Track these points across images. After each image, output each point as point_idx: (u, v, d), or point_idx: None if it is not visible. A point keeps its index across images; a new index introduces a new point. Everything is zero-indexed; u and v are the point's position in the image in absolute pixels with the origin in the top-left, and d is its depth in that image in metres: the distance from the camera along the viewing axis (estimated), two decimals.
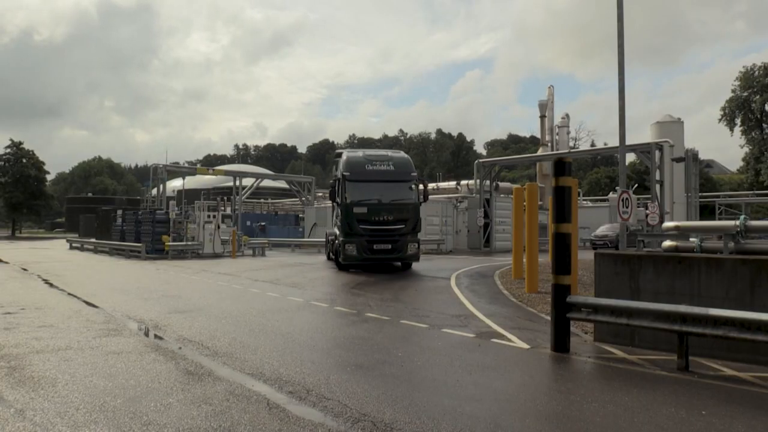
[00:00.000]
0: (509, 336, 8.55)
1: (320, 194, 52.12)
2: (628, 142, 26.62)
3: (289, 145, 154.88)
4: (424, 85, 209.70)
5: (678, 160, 29.20)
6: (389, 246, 18.08)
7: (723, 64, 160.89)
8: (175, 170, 48.67)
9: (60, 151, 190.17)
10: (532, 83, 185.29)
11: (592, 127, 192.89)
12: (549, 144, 47.80)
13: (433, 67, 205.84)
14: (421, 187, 19.32)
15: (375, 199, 18.41)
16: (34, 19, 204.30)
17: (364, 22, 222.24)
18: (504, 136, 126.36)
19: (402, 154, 20.62)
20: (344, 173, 18.58)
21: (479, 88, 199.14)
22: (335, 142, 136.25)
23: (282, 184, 63.07)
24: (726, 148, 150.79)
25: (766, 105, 54.85)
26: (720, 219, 41.81)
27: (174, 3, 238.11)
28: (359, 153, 20.21)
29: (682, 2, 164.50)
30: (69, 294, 13.39)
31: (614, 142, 14.69)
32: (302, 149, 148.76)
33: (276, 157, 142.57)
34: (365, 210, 18.07)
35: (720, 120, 58.07)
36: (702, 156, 43.37)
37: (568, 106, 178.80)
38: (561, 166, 7.84)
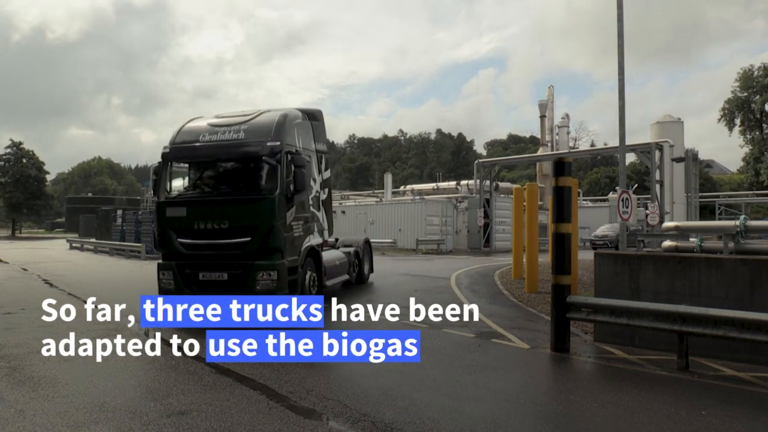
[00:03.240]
0: (509, 336, 8.55)
1: None
2: (632, 141, 26.83)
3: None
4: (436, 84, 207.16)
5: (678, 160, 29.19)
6: (225, 275, 10.18)
7: (741, 63, 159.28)
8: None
9: (65, 151, 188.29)
10: (546, 83, 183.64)
11: (601, 125, 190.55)
12: (549, 144, 47.81)
13: (440, 67, 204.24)
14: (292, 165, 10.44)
15: (202, 194, 11.18)
16: (48, 17, 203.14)
17: (377, 21, 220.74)
18: (504, 136, 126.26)
19: (272, 113, 11.18)
20: (163, 150, 11.42)
21: (491, 88, 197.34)
22: (335, 142, 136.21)
23: None
24: (734, 148, 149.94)
25: (766, 105, 54.89)
26: (720, 219, 41.80)
27: (189, 1, 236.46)
28: (207, 119, 11.71)
29: (702, 0, 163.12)
30: (69, 294, 13.40)
31: (617, 142, 14.62)
32: None
33: None
34: (184, 213, 10.69)
35: (719, 120, 58.20)
36: (707, 156, 43.36)
37: (581, 104, 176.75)
38: (561, 166, 7.85)
